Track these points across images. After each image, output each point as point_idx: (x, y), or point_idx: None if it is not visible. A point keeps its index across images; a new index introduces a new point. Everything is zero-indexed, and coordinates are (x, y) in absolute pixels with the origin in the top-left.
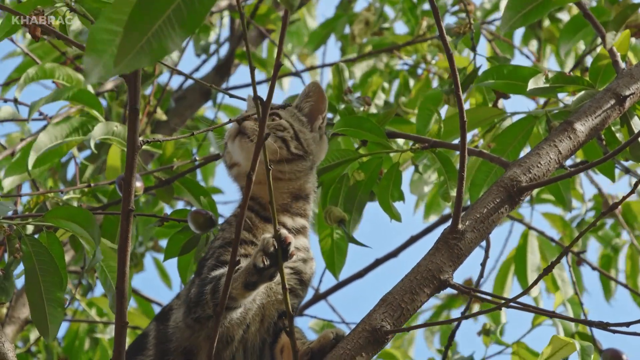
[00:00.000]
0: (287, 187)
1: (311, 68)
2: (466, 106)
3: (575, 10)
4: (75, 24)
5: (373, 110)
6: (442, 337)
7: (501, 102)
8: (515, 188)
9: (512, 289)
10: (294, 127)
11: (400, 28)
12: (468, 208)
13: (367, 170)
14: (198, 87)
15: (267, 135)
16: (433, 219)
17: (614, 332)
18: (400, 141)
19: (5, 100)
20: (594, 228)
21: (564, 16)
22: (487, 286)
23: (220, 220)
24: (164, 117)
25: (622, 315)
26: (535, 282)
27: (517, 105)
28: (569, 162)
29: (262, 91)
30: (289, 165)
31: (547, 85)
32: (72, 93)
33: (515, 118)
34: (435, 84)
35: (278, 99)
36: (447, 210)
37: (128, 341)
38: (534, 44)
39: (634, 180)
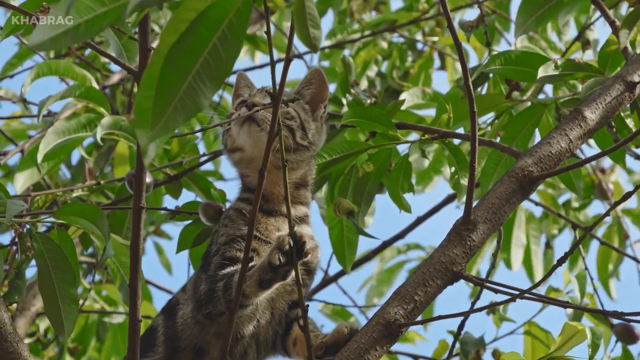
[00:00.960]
0: (290, 176)
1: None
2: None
3: None
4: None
5: (365, 83)
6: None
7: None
8: (526, 178)
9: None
10: (300, 117)
11: (395, 4)
12: (480, 199)
13: (376, 161)
14: None
15: (280, 130)
16: (419, 189)
17: (629, 321)
18: None
19: (14, 101)
20: (578, 208)
21: None
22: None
23: None
24: None
25: (624, 290)
26: (549, 274)
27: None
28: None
29: (264, 74)
30: (293, 155)
31: (556, 72)
32: (80, 91)
33: (524, 106)
34: (436, 59)
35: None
36: (442, 184)
37: None
38: None
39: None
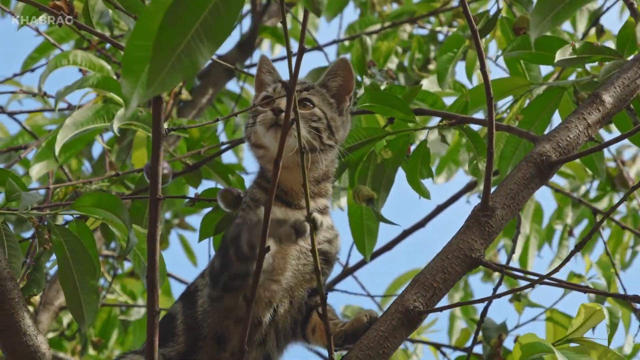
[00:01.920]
0: (313, 174)
1: (333, 42)
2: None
3: None
4: (99, 4)
5: (393, 75)
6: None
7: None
8: (545, 163)
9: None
10: (327, 116)
11: None
12: (498, 185)
13: (394, 148)
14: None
15: (293, 121)
16: (441, 181)
17: None
18: None
19: (34, 95)
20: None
21: None
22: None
23: None
24: (189, 97)
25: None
26: (568, 259)
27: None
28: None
29: (285, 66)
30: (321, 154)
31: (574, 56)
32: (96, 80)
33: (542, 89)
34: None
35: (301, 73)
36: (460, 174)
37: None
38: None
39: None
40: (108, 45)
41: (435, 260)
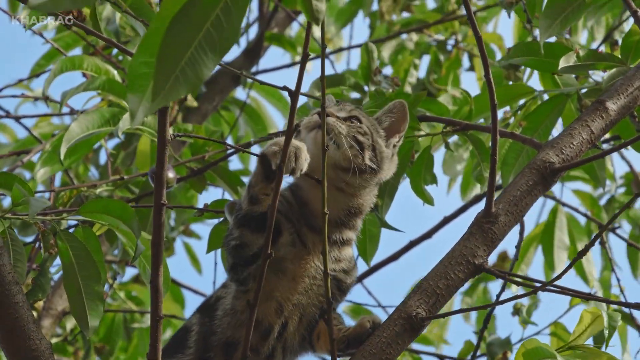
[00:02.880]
0: (348, 203)
1: (340, 50)
2: None
3: None
4: (107, 10)
5: (407, 89)
6: (479, 314)
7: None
8: (548, 170)
9: (533, 264)
10: (373, 136)
11: (431, 3)
12: (501, 191)
13: (398, 154)
14: (229, 70)
15: (297, 126)
16: (469, 197)
17: None
18: None
19: (36, 99)
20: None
21: None
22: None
23: None
24: (194, 104)
25: None
26: (572, 264)
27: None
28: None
29: (292, 73)
30: (359, 178)
31: (578, 63)
32: (101, 83)
33: (546, 96)
34: (466, 60)
35: (307, 81)
36: (479, 188)
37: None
38: None
39: None
40: (114, 52)
41: (438, 266)
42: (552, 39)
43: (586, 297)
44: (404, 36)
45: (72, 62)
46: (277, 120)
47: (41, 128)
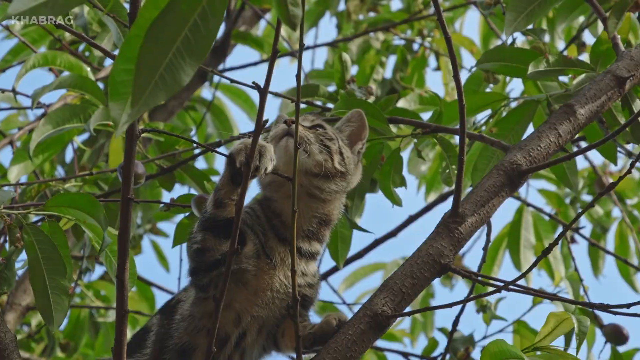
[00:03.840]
0: (319, 210)
1: (307, 48)
2: None
3: None
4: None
5: (372, 85)
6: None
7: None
8: (515, 171)
9: (502, 264)
10: (339, 141)
11: (396, 4)
12: (468, 192)
13: (368, 156)
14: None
15: (265, 122)
16: (433, 197)
17: (615, 313)
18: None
19: (3, 91)
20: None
21: None
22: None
23: None
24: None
25: (611, 292)
26: (535, 264)
27: (519, 88)
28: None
29: (259, 72)
30: (330, 182)
31: (548, 68)
32: (73, 81)
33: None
34: (432, 60)
35: (275, 80)
36: (447, 189)
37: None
38: None
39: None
40: (81, 48)
41: (405, 265)
42: (523, 43)
43: (549, 297)
44: (371, 35)
45: (45, 59)
46: (243, 122)
47: (10, 123)
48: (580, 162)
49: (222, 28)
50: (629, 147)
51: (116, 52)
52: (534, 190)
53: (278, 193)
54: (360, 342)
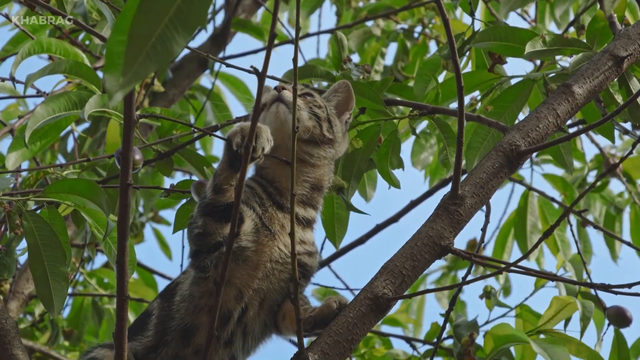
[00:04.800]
0: (310, 174)
1: (307, 35)
2: (467, 69)
3: None
4: None
5: (376, 77)
6: (450, 297)
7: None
8: (514, 152)
9: (512, 250)
10: (328, 110)
11: None
12: (467, 174)
13: (365, 137)
14: (195, 57)
15: (264, 107)
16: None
17: (616, 293)
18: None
19: (3, 80)
20: (596, 188)
21: None
22: (489, 248)
23: None
24: (161, 89)
25: (629, 274)
26: (536, 246)
27: (515, 67)
28: (568, 123)
29: (258, 60)
30: (319, 148)
31: (545, 48)
32: (68, 66)
33: (513, 81)
34: (432, 47)
35: (275, 66)
36: (449, 174)
37: (131, 314)
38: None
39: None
40: (81, 37)
41: (405, 247)
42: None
43: (549, 278)
44: (371, 23)
45: (40, 45)
46: (240, 112)
47: (11, 114)
48: (588, 146)
49: (222, 16)
50: (628, 125)
51: None
52: (539, 175)
53: (269, 160)
54: (361, 325)
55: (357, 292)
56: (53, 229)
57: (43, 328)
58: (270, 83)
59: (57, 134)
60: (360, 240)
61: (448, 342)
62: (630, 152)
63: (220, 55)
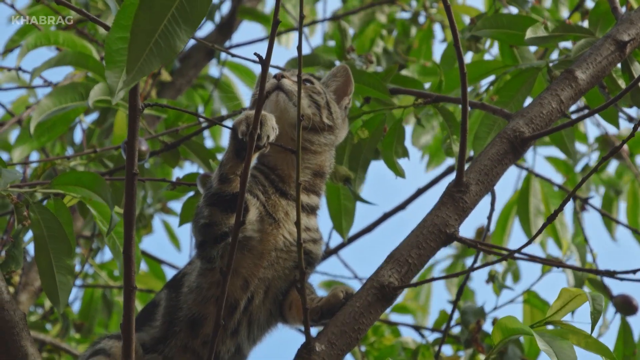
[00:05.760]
0: (311, 161)
1: (313, 22)
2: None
3: None
4: None
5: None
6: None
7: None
8: (518, 139)
9: (512, 232)
10: (327, 96)
11: None
12: (472, 161)
13: (370, 127)
14: (202, 45)
15: (268, 94)
16: (434, 168)
17: (622, 279)
18: None
19: (9, 69)
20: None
21: None
22: (491, 231)
23: None
24: (168, 78)
25: (626, 257)
26: (540, 231)
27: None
28: (572, 110)
29: (265, 48)
30: (319, 135)
31: (546, 34)
32: (74, 58)
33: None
34: (438, 31)
35: (280, 56)
36: (450, 160)
37: (139, 305)
38: None
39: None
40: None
41: (410, 236)
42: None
43: (554, 264)
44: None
45: (47, 37)
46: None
47: (21, 106)
48: (591, 128)
49: (228, 4)
50: (631, 111)
51: None
52: (542, 157)
53: (271, 147)
54: (368, 314)
55: (364, 281)
56: (59, 221)
57: (54, 320)
58: (274, 71)
59: (66, 126)
60: (368, 229)
61: (456, 330)
62: (632, 135)
63: (227, 43)
